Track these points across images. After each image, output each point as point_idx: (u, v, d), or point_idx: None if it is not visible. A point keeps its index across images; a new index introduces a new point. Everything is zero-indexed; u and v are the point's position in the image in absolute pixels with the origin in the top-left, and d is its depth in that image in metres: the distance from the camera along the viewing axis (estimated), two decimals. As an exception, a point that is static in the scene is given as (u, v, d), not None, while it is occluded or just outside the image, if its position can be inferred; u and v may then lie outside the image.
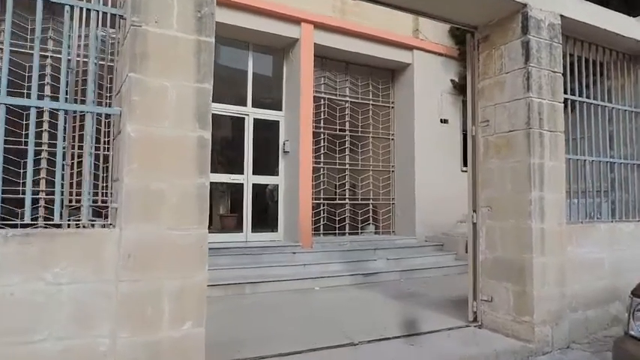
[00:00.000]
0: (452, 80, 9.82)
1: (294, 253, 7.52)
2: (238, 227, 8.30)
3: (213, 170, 11.70)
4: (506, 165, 4.53)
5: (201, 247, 2.97)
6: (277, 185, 8.59)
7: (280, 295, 6.27)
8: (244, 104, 8.28)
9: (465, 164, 10.22)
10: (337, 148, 9.16)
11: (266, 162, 8.75)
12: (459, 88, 9.83)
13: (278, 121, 8.57)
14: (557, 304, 4.37)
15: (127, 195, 2.71)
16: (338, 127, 9.23)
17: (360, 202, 9.46)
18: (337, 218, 9.08)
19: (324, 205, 8.93)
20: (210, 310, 3.13)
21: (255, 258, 7.18)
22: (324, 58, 9.04)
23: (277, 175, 8.56)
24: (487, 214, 4.72)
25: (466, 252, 8.76)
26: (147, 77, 2.80)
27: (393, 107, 9.91)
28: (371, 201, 9.58)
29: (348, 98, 9.39)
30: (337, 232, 9.07)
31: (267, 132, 8.65)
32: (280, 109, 8.62)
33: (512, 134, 4.49)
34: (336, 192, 9.17)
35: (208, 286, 6.27)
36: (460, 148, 9.95)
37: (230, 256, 7.00)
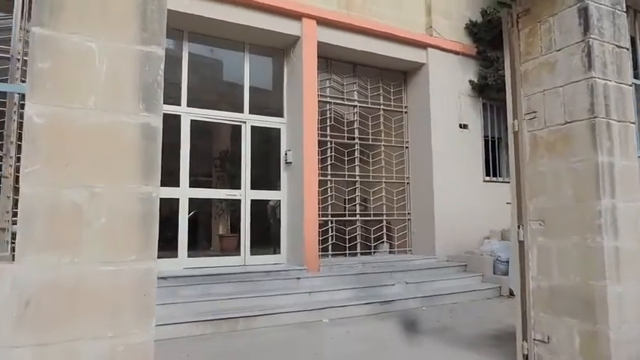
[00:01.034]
0: (470, 81, 8.90)
1: (299, 278, 6.52)
2: (237, 249, 7.34)
3: (207, 185, 10.88)
4: (563, 166, 3.55)
5: (147, 289, 2.01)
6: (279, 201, 7.65)
7: (282, 331, 5.27)
8: (240, 110, 7.40)
9: (488, 173, 9.32)
10: (346, 159, 8.22)
11: (266, 175, 7.84)
12: (479, 89, 8.92)
13: (279, 129, 7.67)
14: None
15: (24, 211, 1.77)
16: (346, 135, 8.30)
17: (372, 218, 8.48)
18: (347, 237, 8.10)
19: (332, 223, 7.96)
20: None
21: (255, 285, 6.19)
22: (329, 59, 8.17)
23: (279, 189, 7.63)
24: (539, 230, 3.72)
25: (494, 273, 7.84)
26: (60, 34, 1.88)
27: (406, 112, 8.98)
28: (384, 217, 8.59)
29: (356, 103, 8.49)
30: (347, 252, 8.07)
31: (266, 141, 7.77)
32: (281, 116, 7.72)
33: (569, 126, 3.52)
34: (345, 207, 8.21)
35: (199, 322, 5.38)
36: (482, 156, 8.99)
37: (225, 283, 6.03)
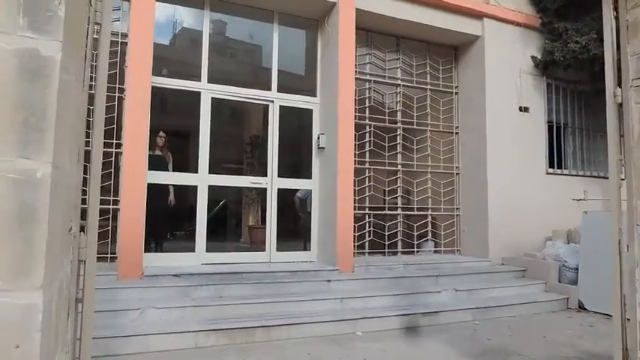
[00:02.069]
0: (533, 57, 7.66)
1: (329, 281, 5.63)
2: (263, 244, 6.53)
3: (238, 172, 10.13)
4: (701, 149, 2.46)
5: (22, 338, 1.15)
6: (310, 191, 6.77)
7: (306, 345, 4.41)
8: (268, 88, 6.54)
9: (552, 165, 8.06)
10: (387, 145, 7.22)
11: (295, 161, 7.00)
12: (543, 66, 7.68)
13: (311, 110, 6.76)
14: None
15: None
16: (387, 118, 7.29)
17: (415, 212, 7.46)
18: (387, 233, 7.12)
19: (369, 217, 7.01)
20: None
21: (278, 287, 5.35)
22: (369, 31, 7.18)
23: (310, 177, 6.74)
24: (656, 239, 2.65)
25: (559, 282, 6.65)
26: None
27: (456, 93, 7.86)
28: (430, 211, 7.55)
29: (399, 82, 7.45)
30: (387, 251, 7.11)
31: (296, 123, 6.91)
32: (314, 95, 6.81)
33: None
34: (385, 200, 7.23)
35: (211, 331, 4.56)
36: (545, 143, 7.78)
37: (246, 284, 5.22)
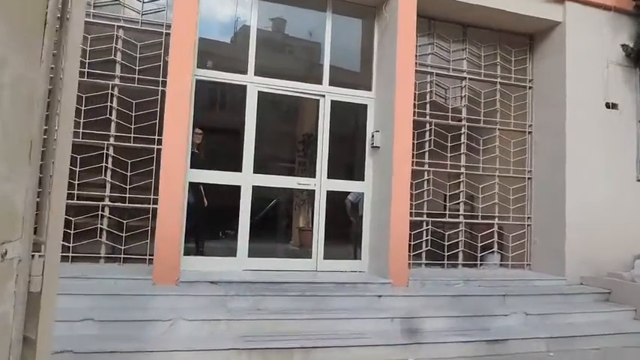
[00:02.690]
0: (624, 46, 6.62)
1: (380, 296, 5.02)
2: (308, 253, 6.02)
3: (290, 172, 9.68)
4: None
5: None
6: (362, 194, 6.17)
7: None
8: (319, 81, 6.01)
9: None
10: (449, 144, 6.48)
11: (347, 161, 6.43)
12: (636, 56, 6.62)
13: (365, 106, 6.15)
14: None
15: None
16: (450, 115, 6.55)
17: (480, 221, 6.66)
18: (447, 243, 6.39)
19: (427, 224, 6.31)
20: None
21: (322, 301, 4.82)
22: (432, 19, 6.48)
23: (362, 179, 6.15)
24: None
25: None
26: None
27: (530, 87, 6.95)
28: (496, 220, 6.72)
29: (465, 74, 6.67)
30: (446, 262, 6.38)
31: (349, 120, 6.35)
32: (369, 89, 6.19)
33: None
34: (446, 206, 6.50)
35: (243, 350, 3.92)
36: (637, 145, 6.70)
37: (287, 296, 4.73)
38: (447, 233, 6.42)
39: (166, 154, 4.84)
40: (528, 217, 6.77)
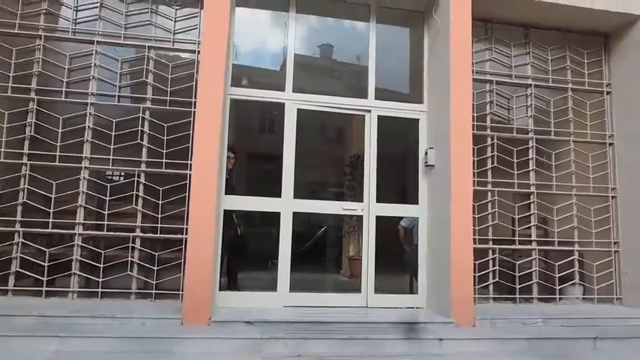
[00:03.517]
0: None
1: (442, 340, 4.20)
2: (357, 288, 5.31)
3: (339, 197, 9.00)
4: None
5: None
6: (416, 219, 5.43)
7: None
8: (363, 96, 5.41)
9: None
10: (515, 161, 5.63)
11: (398, 182, 5.73)
12: None
13: (416, 120, 5.47)
14: None
15: None
16: (515, 127, 5.71)
17: (556, 247, 5.67)
18: (518, 274, 5.46)
19: (494, 252, 5.44)
20: None
21: (374, 346, 4.07)
22: (490, 22, 5.75)
23: (415, 202, 5.41)
24: None
25: None
26: None
27: (608, 92, 5.99)
28: (576, 246, 5.71)
29: (530, 81, 5.84)
30: (518, 297, 5.44)
31: (399, 137, 5.68)
32: (419, 102, 5.51)
33: None
34: (514, 231, 5.59)
35: None
36: None
37: (332, 340, 4.04)
38: (517, 262, 5.50)
39: (196, 179, 4.37)
40: (615, 243, 5.71)
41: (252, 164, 7.32)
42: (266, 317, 4.36)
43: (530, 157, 5.69)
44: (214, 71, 4.52)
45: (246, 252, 6.14)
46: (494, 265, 5.42)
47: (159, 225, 4.76)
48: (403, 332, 4.33)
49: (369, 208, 5.24)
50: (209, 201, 4.37)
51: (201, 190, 4.36)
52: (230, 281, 5.43)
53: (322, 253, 9.25)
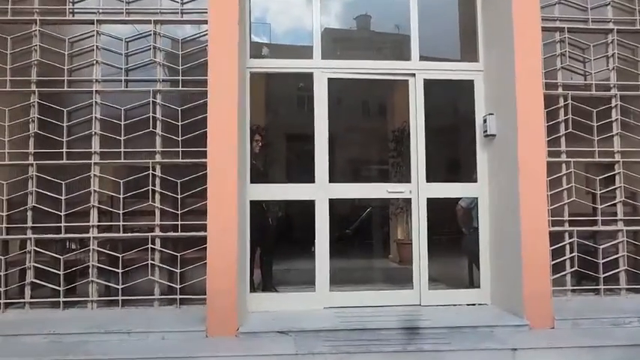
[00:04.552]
0: None
1: (515, 349, 3.35)
2: (408, 277, 4.51)
3: (383, 177, 8.02)
4: None
5: None
6: (475, 200, 4.53)
7: None
8: (406, 57, 4.49)
9: None
10: (595, 124, 4.53)
11: (451, 158, 4.81)
12: None
13: (471, 82, 4.49)
14: None
15: None
16: (594, 83, 4.60)
17: (649, 227, 4.62)
18: (601, 261, 4.45)
19: (571, 236, 4.45)
20: None
21: (430, 358, 3.31)
22: (558, -45, 4.61)
23: (473, 180, 4.50)
24: None
25: None
26: None
27: None
28: (674, 225, 4.62)
29: (611, 25, 4.67)
30: (602, 287, 4.43)
31: (450, 103, 4.74)
32: (474, 60, 4.53)
33: None
34: (595, 209, 4.55)
35: None
36: None
37: (381, 353, 3.31)
38: (600, 247, 4.49)
39: (212, 169, 3.69)
40: None
41: (287, 146, 6.59)
42: (302, 325, 3.68)
43: (613, 118, 4.57)
44: (225, 40, 3.76)
45: (281, 245, 5.49)
46: (571, 251, 4.43)
47: (179, 222, 4.15)
48: (466, 339, 3.52)
49: (419, 190, 4.39)
50: (229, 192, 3.68)
51: (220, 180, 3.68)
52: (264, 280, 4.79)
53: (368, 236, 8.48)
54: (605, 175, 4.55)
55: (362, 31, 5.44)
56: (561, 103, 4.51)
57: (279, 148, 6.68)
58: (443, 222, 5.31)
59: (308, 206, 4.26)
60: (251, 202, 4.19)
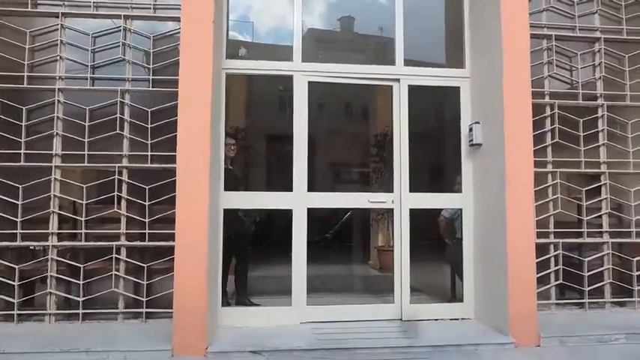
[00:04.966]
0: None
1: (502, 372, 3.15)
2: (389, 286, 4.26)
3: (363, 186, 7.69)
4: None
5: None
6: (458, 211, 4.32)
7: None
8: (390, 62, 4.26)
9: None
10: (581, 134, 4.37)
11: (435, 168, 4.59)
12: None
13: (457, 89, 4.28)
14: None
15: None
16: (581, 92, 4.44)
17: (634, 239, 4.43)
18: (586, 273, 4.28)
19: (556, 248, 4.26)
20: None
21: (412, 380, 3.07)
22: (546, -40, 4.44)
23: (457, 190, 4.29)
24: None
25: None
26: None
27: (701, 44, 4.61)
28: (659, 237, 4.48)
29: (598, 33, 4.52)
30: (587, 301, 4.26)
31: (435, 110, 4.52)
32: (460, 65, 4.32)
33: None
34: (581, 220, 4.38)
35: None
36: None
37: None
38: (585, 259, 4.31)
39: (181, 174, 3.38)
40: None
41: (267, 150, 6.28)
42: (276, 343, 3.39)
43: (599, 128, 4.42)
44: (199, 39, 3.47)
45: (259, 252, 5.20)
46: (556, 264, 4.25)
47: (147, 231, 3.83)
48: (449, 356, 3.29)
49: (401, 200, 4.14)
50: (200, 201, 3.38)
51: (189, 188, 3.37)
52: (238, 292, 4.48)
53: (348, 241, 8.24)
54: (591, 187, 4.38)
55: (345, 33, 5.20)
56: (548, 112, 4.33)
57: (258, 152, 6.37)
58: (425, 231, 5.08)
59: (288, 212, 3.98)
60: (226, 210, 3.89)
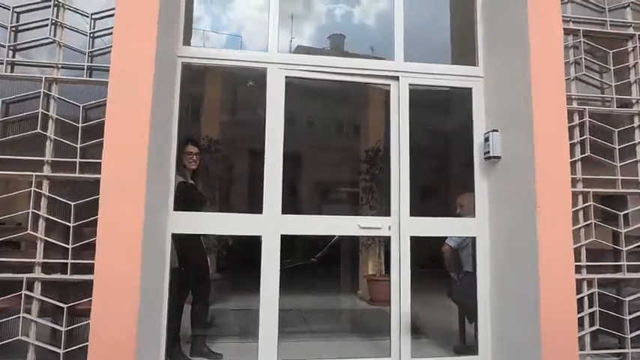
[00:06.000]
0: None
1: None
2: (382, 326, 3.25)
3: (352, 207, 6.09)
4: None
5: None
6: (468, 240, 3.35)
7: None
8: (388, 56, 3.35)
9: None
10: (616, 147, 3.45)
11: (442, 186, 3.66)
12: None
13: (468, 90, 3.37)
14: None
15: None
16: (615, 97, 3.55)
17: (683, 275, 3.50)
18: (628, 317, 3.28)
19: (590, 285, 3.28)
20: None
21: None
22: (571, -56, 3.60)
23: (470, 214, 3.33)
24: None
25: None
26: None
27: None
28: None
29: (631, 30, 3.67)
30: (630, 350, 3.27)
31: (442, 115, 3.57)
32: (472, 62, 3.42)
33: None
34: (619, 252, 3.43)
35: None
36: None
37: None
38: (626, 299, 3.36)
39: (106, 188, 2.40)
40: None
41: (238, 162, 5.25)
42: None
43: (637, 141, 3.53)
44: (140, 14, 2.54)
45: (226, 282, 4.16)
46: (591, 305, 3.28)
47: (69, 260, 2.80)
48: None
49: (400, 226, 3.17)
50: (131, 223, 2.39)
51: (117, 206, 2.39)
52: (195, 340, 3.41)
53: (336, 264, 7.22)
54: (631, 210, 3.45)
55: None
56: (576, 120, 3.42)
57: (234, 165, 5.37)
58: (423, 257, 4.11)
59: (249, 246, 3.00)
60: (175, 235, 2.89)
